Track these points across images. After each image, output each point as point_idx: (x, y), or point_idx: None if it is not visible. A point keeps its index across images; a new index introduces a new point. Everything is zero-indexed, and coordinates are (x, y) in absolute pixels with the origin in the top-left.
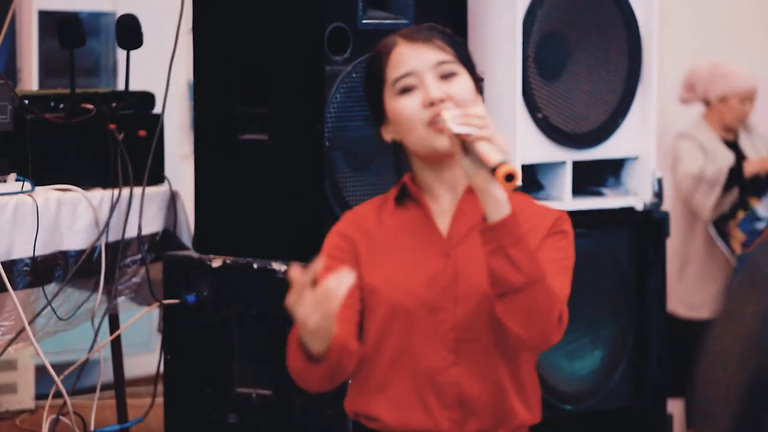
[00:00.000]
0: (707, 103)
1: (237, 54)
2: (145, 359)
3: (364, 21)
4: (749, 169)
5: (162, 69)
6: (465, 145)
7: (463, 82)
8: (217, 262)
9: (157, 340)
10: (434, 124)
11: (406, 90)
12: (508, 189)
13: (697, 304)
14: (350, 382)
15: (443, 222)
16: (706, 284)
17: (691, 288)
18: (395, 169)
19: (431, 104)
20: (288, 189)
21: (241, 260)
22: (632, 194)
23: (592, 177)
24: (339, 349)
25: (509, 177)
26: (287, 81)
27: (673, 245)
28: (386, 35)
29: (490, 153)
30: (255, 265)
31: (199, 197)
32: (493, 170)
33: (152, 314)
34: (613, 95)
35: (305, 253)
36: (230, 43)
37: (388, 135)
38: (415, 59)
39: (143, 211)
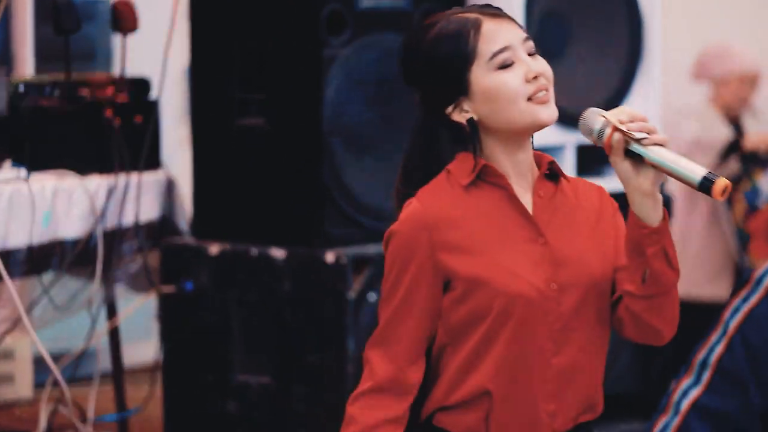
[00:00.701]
0: (713, 81)
1: (233, 38)
2: (143, 347)
3: (363, 2)
4: (749, 143)
5: (158, 54)
6: (628, 150)
7: (543, 60)
8: (214, 249)
9: (155, 328)
10: (535, 97)
11: (506, 65)
12: (718, 198)
13: (698, 281)
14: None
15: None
16: (705, 261)
17: (690, 265)
18: (472, 149)
19: (534, 78)
20: (286, 174)
21: (239, 246)
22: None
23: (596, 157)
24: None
25: (725, 190)
26: (284, 65)
27: (674, 225)
28: (384, 17)
29: (692, 166)
30: (253, 252)
31: (196, 183)
32: (702, 183)
33: (150, 302)
34: (615, 76)
35: (303, 239)
36: (227, 27)
37: (463, 114)
38: (509, 34)
39: (140, 198)
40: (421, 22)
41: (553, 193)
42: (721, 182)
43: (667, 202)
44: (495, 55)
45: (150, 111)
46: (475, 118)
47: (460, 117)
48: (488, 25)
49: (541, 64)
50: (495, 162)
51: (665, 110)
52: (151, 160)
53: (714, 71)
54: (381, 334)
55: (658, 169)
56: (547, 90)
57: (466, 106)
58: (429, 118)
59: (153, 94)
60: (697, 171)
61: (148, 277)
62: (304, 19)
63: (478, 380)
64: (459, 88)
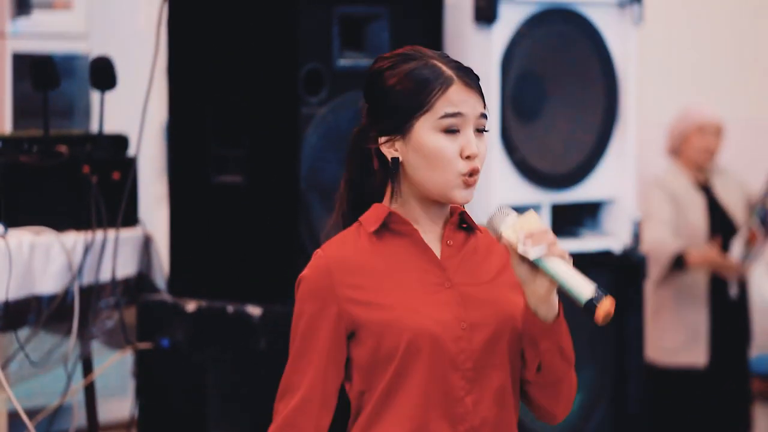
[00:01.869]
0: (677, 146)
1: (212, 95)
2: (119, 404)
3: (341, 62)
4: (692, 260)
5: (136, 110)
6: (525, 258)
7: (486, 140)
8: (191, 306)
9: (131, 384)
10: (462, 175)
11: (452, 131)
12: (599, 322)
13: (669, 348)
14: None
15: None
16: (678, 328)
17: (662, 332)
18: (390, 181)
19: (468, 158)
20: (263, 231)
21: (215, 304)
22: (610, 236)
23: (571, 217)
24: None
25: (607, 316)
26: (262, 122)
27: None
28: (362, 76)
29: (582, 285)
30: (229, 309)
31: (173, 240)
32: (586, 305)
33: (126, 358)
34: (590, 136)
35: (280, 295)
36: (205, 84)
37: (392, 150)
38: (467, 104)
39: (117, 254)
40: (409, 49)
41: (463, 242)
42: (604, 307)
43: (641, 263)
44: (446, 116)
45: (128, 168)
46: (400, 159)
47: (387, 151)
48: (456, 88)
49: (481, 146)
50: (408, 206)
51: (641, 173)
52: (129, 217)
53: (674, 133)
54: (284, 384)
55: (551, 281)
56: (477, 173)
57: (398, 145)
58: (362, 137)
59: (131, 150)
60: (584, 291)
61: (125, 333)
62: (283, 78)
63: (393, 421)
64: (401, 127)
